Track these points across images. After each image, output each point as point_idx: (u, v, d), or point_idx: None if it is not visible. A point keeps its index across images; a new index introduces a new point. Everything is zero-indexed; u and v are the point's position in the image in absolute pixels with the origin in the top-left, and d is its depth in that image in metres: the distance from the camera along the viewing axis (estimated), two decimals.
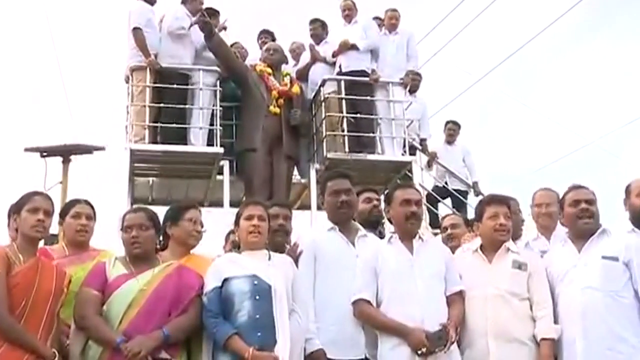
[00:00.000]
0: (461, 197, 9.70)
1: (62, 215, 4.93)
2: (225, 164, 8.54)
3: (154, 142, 8.33)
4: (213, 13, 8.71)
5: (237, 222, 4.56)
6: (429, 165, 10.12)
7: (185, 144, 8.39)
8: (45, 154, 12.67)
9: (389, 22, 9.62)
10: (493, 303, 4.50)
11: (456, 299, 4.57)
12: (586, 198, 4.72)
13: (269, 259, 4.44)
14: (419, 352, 4.25)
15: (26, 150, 12.72)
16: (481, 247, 4.75)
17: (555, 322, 4.53)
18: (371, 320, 4.51)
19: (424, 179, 9.60)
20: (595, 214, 4.70)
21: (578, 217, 4.70)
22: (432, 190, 9.75)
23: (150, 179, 9.23)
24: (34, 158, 12.60)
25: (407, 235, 4.67)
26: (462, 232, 5.64)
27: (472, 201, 9.62)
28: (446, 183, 9.96)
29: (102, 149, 12.67)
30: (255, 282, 4.26)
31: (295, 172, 9.08)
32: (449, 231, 5.69)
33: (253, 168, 8.41)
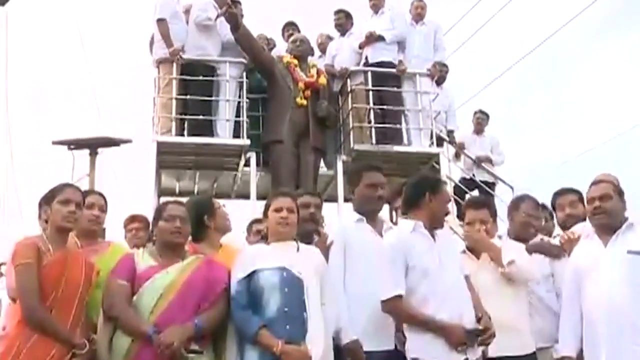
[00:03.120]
0: (488, 189, 9.59)
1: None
2: (252, 156, 8.52)
3: (181, 134, 8.33)
4: (235, 3, 8.69)
5: (265, 214, 4.55)
6: (457, 156, 10.04)
7: (212, 136, 8.39)
8: (72, 147, 12.80)
9: (415, 12, 9.54)
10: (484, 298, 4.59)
11: (468, 285, 4.58)
12: (599, 194, 4.64)
13: (298, 250, 4.42)
14: (459, 348, 4.24)
15: (54, 143, 12.86)
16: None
17: (580, 316, 4.56)
18: (411, 319, 4.41)
19: (452, 171, 9.52)
20: (610, 209, 4.60)
21: (592, 214, 4.67)
22: (460, 182, 9.66)
23: (177, 170, 9.22)
24: (62, 151, 12.73)
25: (431, 227, 4.60)
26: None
27: (499, 193, 9.52)
28: (474, 175, 9.86)
29: (129, 141, 12.77)
30: (285, 275, 4.22)
31: (322, 163, 9.04)
32: None
33: (280, 160, 8.39)
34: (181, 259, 4.32)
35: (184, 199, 5.14)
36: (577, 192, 5.43)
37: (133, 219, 6.20)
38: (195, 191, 9.30)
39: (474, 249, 4.98)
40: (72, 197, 4.32)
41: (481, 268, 4.85)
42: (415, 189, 4.72)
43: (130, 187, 9.80)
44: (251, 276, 4.24)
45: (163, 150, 8.29)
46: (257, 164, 8.62)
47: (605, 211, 4.60)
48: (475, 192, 9.79)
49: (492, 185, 9.78)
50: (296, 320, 4.14)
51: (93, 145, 13.10)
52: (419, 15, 9.50)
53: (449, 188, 9.13)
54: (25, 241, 4.17)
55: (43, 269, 4.06)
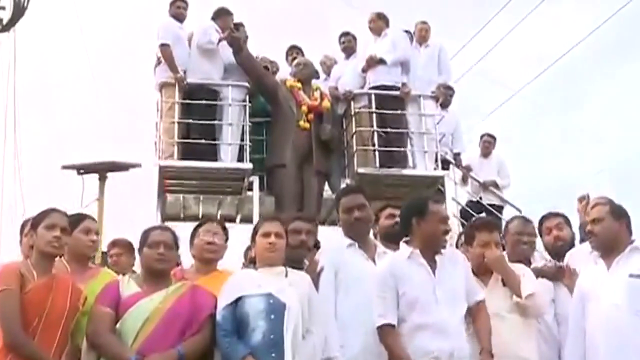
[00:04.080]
0: (496, 212, 9.46)
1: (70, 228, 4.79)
2: (255, 180, 8.48)
3: (184, 158, 8.30)
4: (237, 26, 8.70)
5: (253, 238, 4.50)
6: (464, 180, 9.94)
7: (216, 160, 8.35)
8: (82, 171, 12.81)
9: (419, 34, 9.50)
10: (494, 325, 4.48)
11: (480, 309, 4.49)
12: (591, 218, 4.67)
13: (286, 275, 4.35)
14: None
15: (63, 167, 12.87)
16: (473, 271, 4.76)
17: (584, 340, 4.49)
18: (390, 352, 4.34)
19: (458, 194, 9.42)
20: (599, 232, 4.60)
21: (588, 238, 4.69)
22: (467, 205, 9.56)
23: (181, 195, 9.20)
24: (71, 176, 12.74)
25: (431, 251, 4.52)
26: None
27: (507, 216, 9.39)
28: (481, 198, 9.76)
29: (138, 166, 12.74)
30: (271, 301, 4.17)
31: (327, 187, 8.97)
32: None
33: (283, 184, 8.34)
34: (166, 285, 4.27)
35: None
36: (563, 216, 5.44)
37: (114, 244, 6.18)
38: (200, 215, 9.26)
39: (478, 272, 4.80)
40: (58, 222, 4.29)
41: (492, 292, 4.70)
42: (403, 217, 4.70)
43: (138, 211, 9.75)
44: (237, 302, 4.19)
45: (165, 174, 8.27)
46: (261, 188, 8.58)
47: (595, 234, 4.61)
48: (482, 216, 9.67)
49: (499, 209, 9.66)
50: (282, 348, 4.06)
51: (102, 170, 13.09)
52: (422, 37, 9.46)
53: (455, 210, 9.06)
54: (7, 267, 4.16)
55: (25, 295, 4.04)
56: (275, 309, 4.14)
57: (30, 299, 4.03)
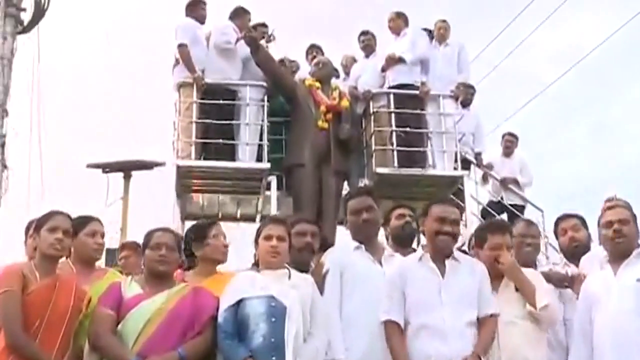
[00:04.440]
0: (517, 212, 9.35)
1: (75, 231, 4.73)
2: (273, 180, 8.46)
3: (203, 158, 8.31)
4: (260, 25, 8.69)
5: (256, 240, 4.47)
6: (485, 179, 9.84)
7: (234, 160, 8.35)
8: (107, 170, 12.95)
9: (438, 33, 9.39)
10: (505, 330, 4.39)
11: (487, 323, 4.35)
12: (618, 218, 4.54)
13: (289, 278, 4.33)
14: None
15: (88, 166, 13.01)
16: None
17: (591, 346, 4.41)
18: (390, 349, 4.34)
19: (479, 194, 9.33)
20: (629, 234, 4.49)
21: (611, 238, 4.51)
22: (487, 205, 9.46)
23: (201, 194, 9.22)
24: (97, 174, 12.89)
25: (440, 254, 4.48)
26: None
27: (529, 216, 9.27)
28: (502, 198, 9.65)
29: (162, 164, 12.84)
30: (273, 304, 4.15)
31: (346, 186, 8.93)
32: None
33: (301, 184, 8.29)
34: (169, 287, 4.27)
35: None
36: (580, 217, 5.35)
37: (123, 247, 6.22)
38: (219, 215, 9.28)
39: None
40: (60, 224, 4.31)
41: (503, 298, 4.57)
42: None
43: (162, 211, 9.81)
44: (239, 304, 4.17)
45: (183, 174, 8.29)
46: (279, 188, 8.56)
47: (625, 235, 4.51)
48: (504, 216, 9.58)
49: (521, 209, 9.54)
50: (282, 351, 4.04)
51: (127, 168, 13.20)
52: (442, 36, 9.34)
53: (475, 210, 8.98)
54: (9, 268, 4.19)
55: (28, 297, 4.06)
56: (277, 312, 4.12)
57: (32, 300, 4.06)
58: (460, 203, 8.72)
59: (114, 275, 4.89)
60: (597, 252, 4.97)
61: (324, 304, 4.43)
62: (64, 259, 4.74)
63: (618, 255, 4.51)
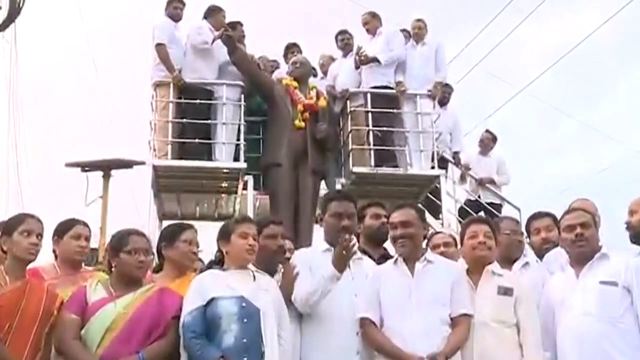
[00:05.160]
0: (495, 211, 9.40)
1: (60, 234, 4.83)
2: (250, 179, 8.48)
3: (180, 157, 8.31)
4: (234, 25, 8.68)
5: (226, 238, 4.43)
6: (462, 178, 9.88)
7: (211, 159, 8.36)
8: (86, 169, 12.83)
9: (414, 32, 9.35)
10: (479, 331, 4.35)
11: (459, 322, 4.36)
12: (580, 222, 4.54)
13: (254, 279, 4.34)
14: None
15: (67, 165, 12.89)
16: (467, 270, 4.61)
17: (554, 349, 4.41)
18: (372, 341, 4.39)
19: (456, 193, 9.37)
20: (590, 238, 4.50)
21: (572, 242, 4.53)
22: (465, 204, 9.50)
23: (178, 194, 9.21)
24: (75, 173, 12.78)
25: (412, 257, 4.54)
26: (455, 252, 5.30)
27: (506, 214, 9.32)
28: (479, 196, 9.69)
29: (142, 163, 12.73)
30: (243, 304, 4.15)
31: (323, 186, 8.94)
32: (442, 249, 5.33)
33: (278, 183, 8.27)
34: (135, 289, 4.26)
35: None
36: (553, 216, 5.31)
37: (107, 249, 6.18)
38: (197, 214, 9.29)
39: (469, 269, 4.66)
40: (34, 228, 4.31)
41: (481, 297, 4.51)
42: None
43: (139, 210, 9.80)
44: (209, 304, 4.15)
45: (160, 173, 8.29)
46: (256, 188, 8.57)
47: (587, 239, 4.51)
48: (481, 214, 9.62)
49: (498, 207, 9.59)
50: (253, 352, 4.06)
51: (106, 167, 13.10)
52: (418, 36, 9.31)
53: (452, 209, 9.02)
54: None
55: None
56: (248, 313, 4.13)
57: (1, 304, 4.03)
58: (438, 202, 8.80)
59: (100, 277, 4.86)
60: (562, 251, 4.99)
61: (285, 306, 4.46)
62: (53, 260, 4.82)
63: (580, 258, 4.52)
